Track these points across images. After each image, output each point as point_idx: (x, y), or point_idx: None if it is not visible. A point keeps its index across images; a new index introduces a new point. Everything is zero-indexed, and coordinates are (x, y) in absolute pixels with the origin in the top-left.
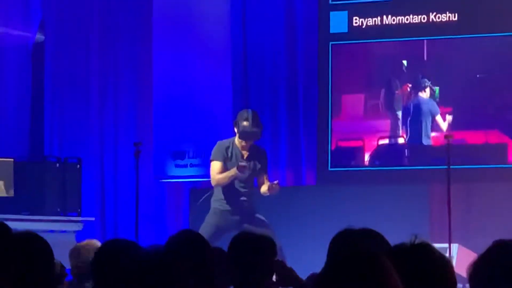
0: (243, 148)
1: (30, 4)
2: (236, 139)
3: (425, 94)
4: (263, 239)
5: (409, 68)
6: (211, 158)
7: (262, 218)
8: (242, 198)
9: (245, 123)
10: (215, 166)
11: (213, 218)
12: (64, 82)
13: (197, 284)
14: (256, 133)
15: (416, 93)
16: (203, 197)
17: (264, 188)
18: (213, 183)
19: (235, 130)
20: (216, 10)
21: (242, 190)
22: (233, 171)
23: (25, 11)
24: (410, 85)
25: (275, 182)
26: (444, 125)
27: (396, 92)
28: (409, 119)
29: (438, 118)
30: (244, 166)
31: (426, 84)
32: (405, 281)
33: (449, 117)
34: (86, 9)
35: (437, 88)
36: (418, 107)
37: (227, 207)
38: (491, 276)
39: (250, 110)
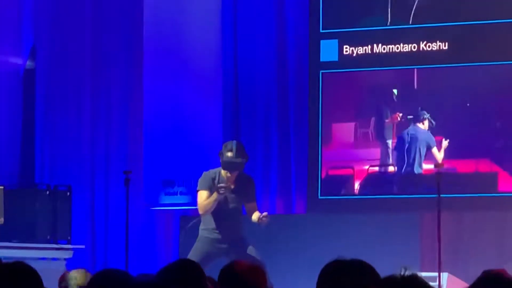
0: (228, 179)
1: (21, 30)
2: (222, 171)
3: (423, 126)
4: (253, 268)
5: (400, 97)
6: (198, 188)
7: (251, 246)
8: (230, 226)
9: (229, 153)
10: (202, 195)
11: (201, 245)
12: (55, 109)
13: None
14: (239, 163)
15: (414, 123)
16: (192, 222)
17: (254, 217)
18: (200, 211)
19: (220, 161)
20: (207, 39)
21: (230, 218)
22: (214, 195)
23: (16, 37)
24: (400, 114)
25: (264, 214)
26: (439, 156)
27: (386, 121)
28: (405, 147)
29: (434, 150)
30: (223, 187)
31: (425, 116)
32: None
33: (445, 143)
34: (78, 36)
35: (432, 120)
36: (415, 137)
37: (215, 235)
38: None
39: (234, 141)
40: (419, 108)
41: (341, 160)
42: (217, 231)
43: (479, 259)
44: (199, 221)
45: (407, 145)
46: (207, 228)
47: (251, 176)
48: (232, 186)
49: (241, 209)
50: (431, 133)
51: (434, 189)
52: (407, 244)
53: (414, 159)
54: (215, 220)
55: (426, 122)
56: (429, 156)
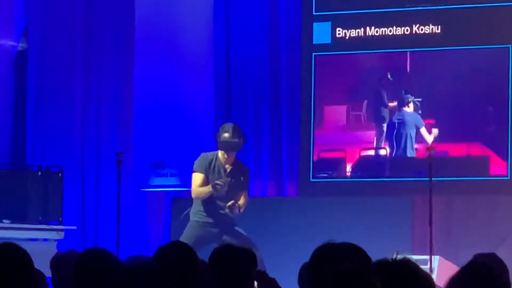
0: (226, 162)
1: (13, 12)
2: (220, 153)
3: (408, 109)
4: (243, 251)
5: (393, 80)
6: (193, 169)
7: (241, 231)
8: (221, 211)
9: (226, 134)
10: (197, 178)
11: (192, 230)
12: (46, 91)
13: None
14: (236, 143)
15: (400, 108)
16: (185, 213)
17: (230, 202)
18: (193, 195)
19: (217, 142)
20: (199, 21)
21: (222, 203)
22: (208, 188)
23: (8, 19)
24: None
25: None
26: (429, 138)
27: (387, 104)
28: (394, 133)
29: (423, 130)
30: (219, 185)
31: (410, 99)
32: None
33: (435, 131)
34: (70, 18)
35: (417, 100)
36: (402, 121)
37: (206, 219)
38: None
39: (231, 123)
40: (402, 91)
41: (333, 143)
42: (208, 216)
43: (470, 242)
44: (188, 214)
45: (395, 131)
46: (198, 211)
47: (247, 167)
48: (228, 169)
49: (234, 194)
50: (421, 115)
51: (426, 172)
52: (399, 227)
53: (405, 143)
54: (207, 203)
55: (411, 105)
56: (420, 138)
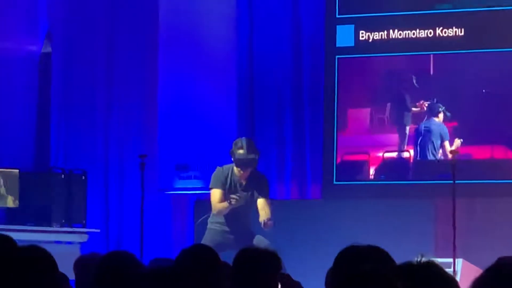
0: (241, 176)
1: (37, 15)
2: (235, 168)
3: (437, 119)
4: (267, 254)
5: (417, 84)
6: (210, 185)
7: (262, 238)
8: (239, 223)
9: (240, 151)
10: (215, 194)
11: (210, 236)
12: (70, 93)
13: None
14: (252, 159)
15: (430, 117)
16: (204, 217)
17: (261, 218)
18: (213, 211)
19: (232, 159)
20: (222, 23)
21: (241, 215)
22: (226, 204)
23: (31, 23)
24: (425, 105)
25: (267, 218)
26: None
27: (410, 107)
28: (419, 139)
29: (446, 144)
30: (234, 199)
31: (440, 109)
32: None
33: (457, 142)
34: (93, 21)
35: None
36: (429, 130)
37: (224, 228)
38: None
39: (244, 138)
40: (434, 100)
41: (357, 145)
42: (226, 225)
43: (493, 245)
44: (208, 216)
45: (421, 138)
46: (216, 221)
47: (264, 175)
48: (244, 183)
49: (252, 207)
50: (449, 118)
51: (449, 175)
52: (422, 230)
53: (429, 151)
54: (225, 216)
55: (441, 115)
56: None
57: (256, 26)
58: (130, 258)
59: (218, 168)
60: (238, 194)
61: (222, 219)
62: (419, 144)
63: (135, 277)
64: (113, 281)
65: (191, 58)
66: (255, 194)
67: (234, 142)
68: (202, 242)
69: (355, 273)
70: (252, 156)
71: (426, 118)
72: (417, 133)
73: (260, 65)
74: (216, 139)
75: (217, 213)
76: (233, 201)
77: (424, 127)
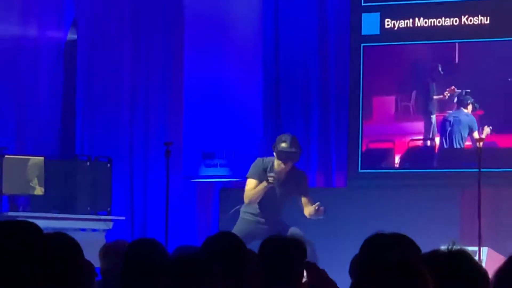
0: (281, 171)
1: (62, 3)
2: (275, 162)
3: (466, 110)
4: (293, 242)
5: (443, 72)
6: (248, 175)
7: (296, 229)
8: (272, 215)
9: (283, 144)
10: (250, 183)
11: (242, 225)
12: (95, 81)
13: (232, 285)
14: (295, 153)
15: (459, 107)
16: (234, 209)
17: (307, 211)
18: (245, 200)
19: (274, 153)
20: (248, 11)
21: (275, 209)
22: (263, 184)
23: (57, 10)
24: (449, 94)
25: (317, 204)
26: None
27: (434, 97)
28: (448, 130)
29: (475, 134)
30: (272, 177)
31: (469, 101)
32: None
33: (487, 129)
34: (119, 9)
35: (476, 104)
36: (458, 120)
37: (257, 218)
38: None
39: (288, 134)
40: (463, 92)
41: (382, 133)
42: (259, 216)
43: None
44: (240, 207)
45: (449, 128)
46: (249, 212)
47: (304, 171)
48: (283, 177)
49: (287, 203)
50: (476, 108)
51: (475, 163)
52: (447, 218)
53: (455, 140)
54: (259, 207)
55: (470, 107)
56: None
57: (281, 14)
58: (156, 246)
59: (259, 159)
60: (274, 174)
61: (255, 210)
62: (447, 134)
63: (161, 265)
64: (139, 269)
65: (217, 46)
66: (294, 190)
67: (278, 136)
68: (234, 230)
69: (382, 261)
70: (294, 150)
71: (455, 108)
72: (445, 122)
73: (286, 53)
74: (242, 127)
75: (248, 200)
76: (270, 179)
77: (454, 117)
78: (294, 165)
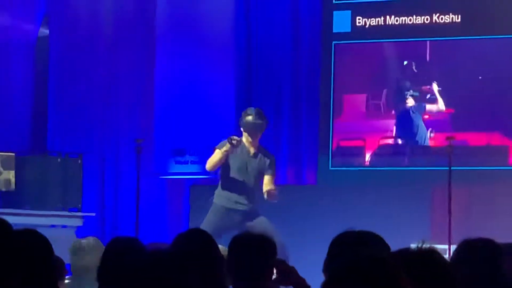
0: (250, 145)
1: None
2: (244, 137)
3: (410, 102)
4: (262, 239)
5: (414, 69)
6: (216, 146)
7: (265, 219)
8: (245, 198)
9: (249, 117)
10: (216, 153)
11: (214, 216)
12: (67, 77)
13: (205, 283)
14: (260, 124)
15: (422, 102)
16: (210, 199)
17: (266, 188)
18: (207, 166)
19: (241, 128)
20: (220, 8)
21: (243, 184)
22: (226, 146)
23: (29, 5)
24: (429, 87)
25: (271, 188)
26: (433, 106)
27: (407, 93)
28: (411, 123)
29: (428, 106)
30: (235, 139)
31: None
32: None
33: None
34: (91, 6)
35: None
36: (413, 109)
37: (229, 205)
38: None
39: (253, 107)
40: (425, 77)
41: (352, 131)
42: (231, 200)
43: (489, 232)
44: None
45: (413, 121)
46: (222, 195)
47: (273, 155)
48: (253, 151)
49: (258, 179)
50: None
51: (445, 161)
52: (418, 216)
53: (419, 131)
54: (234, 187)
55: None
56: (436, 127)
57: (253, 11)
58: (135, 245)
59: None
60: (238, 137)
61: (229, 192)
62: (412, 129)
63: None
64: (118, 267)
65: (189, 43)
66: (263, 165)
67: (243, 112)
68: (205, 220)
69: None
70: (260, 121)
71: (417, 102)
72: (407, 117)
73: (257, 51)
74: (213, 125)
75: (209, 166)
76: (233, 141)
77: (413, 111)
78: (264, 147)
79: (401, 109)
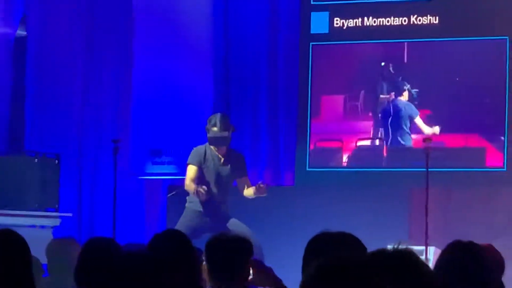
0: (218, 152)
1: None
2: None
3: (403, 98)
4: (238, 240)
5: (391, 71)
6: (188, 162)
7: (238, 222)
8: (217, 202)
9: (214, 128)
10: (190, 170)
11: (187, 219)
12: (45, 77)
13: (181, 283)
14: (225, 138)
15: (396, 96)
16: (173, 193)
17: (249, 191)
18: (185, 187)
19: (208, 138)
20: (198, 9)
21: (218, 194)
22: (193, 191)
23: (6, 6)
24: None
25: (260, 182)
26: (425, 128)
27: (381, 96)
28: (389, 121)
29: (418, 120)
30: (201, 192)
31: (405, 87)
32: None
33: (436, 128)
34: (69, 7)
35: (415, 91)
36: (397, 110)
37: (201, 208)
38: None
39: (218, 115)
40: (399, 78)
41: (330, 132)
42: (203, 204)
43: (466, 233)
44: (182, 191)
45: (390, 119)
46: (194, 200)
47: (241, 153)
48: (222, 159)
49: (231, 183)
50: (417, 105)
51: (423, 163)
52: (396, 217)
53: (399, 132)
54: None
55: (406, 93)
56: (415, 129)
57: (231, 12)
58: (112, 245)
59: (195, 148)
60: (205, 187)
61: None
62: (390, 126)
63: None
64: (95, 268)
65: (166, 44)
66: (234, 171)
67: (208, 118)
68: (178, 223)
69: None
70: (225, 134)
71: (393, 98)
72: (385, 114)
73: (235, 51)
74: (190, 125)
75: (187, 190)
76: (200, 194)
77: (392, 108)
78: (231, 148)
79: (379, 111)
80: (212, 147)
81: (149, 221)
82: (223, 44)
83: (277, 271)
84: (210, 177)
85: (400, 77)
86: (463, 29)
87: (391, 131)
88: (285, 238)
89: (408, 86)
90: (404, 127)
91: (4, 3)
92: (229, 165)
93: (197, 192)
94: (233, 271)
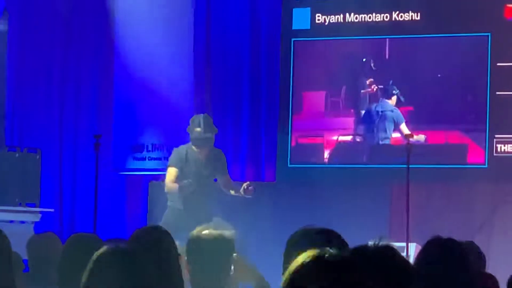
0: (200, 153)
1: None
2: (193, 146)
3: (391, 101)
4: (220, 236)
5: (372, 67)
6: (168, 164)
7: (220, 219)
8: (199, 199)
9: (197, 129)
10: (170, 172)
11: (169, 218)
12: (26, 72)
13: (162, 279)
14: (209, 138)
15: (383, 98)
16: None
17: (234, 191)
18: (165, 189)
19: (190, 139)
20: (180, 5)
21: (200, 194)
22: (176, 187)
23: None
24: (377, 87)
25: (248, 184)
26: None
27: (362, 91)
28: (374, 124)
29: (403, 126)
30: (186, 185)
31: (395, 92)
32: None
33: (421, 136)
34: (50, 2)
35: (401, 96)
36: (383, 115)
37: (183, 207)
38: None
39: (202, 116)
40: (390, 82)
41: (311, 128)
42: (185, 202)
43: (448, 230)
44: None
45: (376, 122)
46: (175, 199)
47: (221, 150)
48: (203, 160)
49: (212, 182)
50: (401, 105)
51: (404, 159)
52: (376, 213)
53: (381, 135)
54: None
55: (395, 98)
56: (396, 126)
57: (213, 7)
58: (94, 241)
59: (175, 149)
60: (190, 180)
61: (181, 198)
62: (374, 127)
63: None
64: (77, 263)
65: (147, 40)
66: (215, 170)
67: (191, 119)
68: (161, 223)
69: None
70: (209, 135)
71: (379, 100)
72: (369, 115)
73: (217, 47)
74: (172, 121)
75: (168, 191)
76: (184, 188)
77: (378, 110)
78: (212, 147)
79: (360, 107)
80: (193, 147)
81: (130, 216)
82: (205, 39)
83: (259, 267)
84: (189, 173)
85: (391, 80)
86: (445, 25)
87: (374, 131)
88: (266, 234)
89: (398, 91)
90: (388, 131)
91: None
92: (210, 166)
93: (181, 188)
94: (215, 267)
